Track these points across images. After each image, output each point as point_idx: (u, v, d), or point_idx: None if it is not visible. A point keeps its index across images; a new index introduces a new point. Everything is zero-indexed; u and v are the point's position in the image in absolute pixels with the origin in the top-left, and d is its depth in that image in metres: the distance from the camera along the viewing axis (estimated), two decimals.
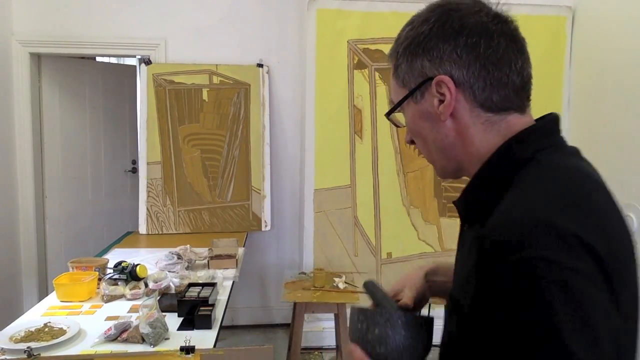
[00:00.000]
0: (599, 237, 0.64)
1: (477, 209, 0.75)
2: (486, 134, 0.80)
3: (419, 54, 0.81)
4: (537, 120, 0.90)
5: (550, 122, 0.89)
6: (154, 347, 1.70)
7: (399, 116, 0.86)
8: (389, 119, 0.87)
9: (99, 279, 2.26)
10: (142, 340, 1.72)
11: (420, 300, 0.99)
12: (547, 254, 0.60)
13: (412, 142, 0.87)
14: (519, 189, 0.71)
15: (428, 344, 0.95)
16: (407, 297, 0.96)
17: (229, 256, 2.67)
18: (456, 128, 0.79)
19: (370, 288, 0.99)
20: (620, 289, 0.64)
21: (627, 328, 0.66)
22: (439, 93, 0.78)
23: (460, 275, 0.81)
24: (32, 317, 1.96)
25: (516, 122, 0.85)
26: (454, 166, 0.84)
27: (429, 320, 0.98)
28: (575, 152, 0.90)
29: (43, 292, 3.69)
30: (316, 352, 3.49)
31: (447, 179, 1.02)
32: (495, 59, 0.83)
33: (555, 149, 0.85)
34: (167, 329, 1.80)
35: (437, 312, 2.25)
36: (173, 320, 1.91)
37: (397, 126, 0.89)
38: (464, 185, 0.80)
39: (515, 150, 0.79)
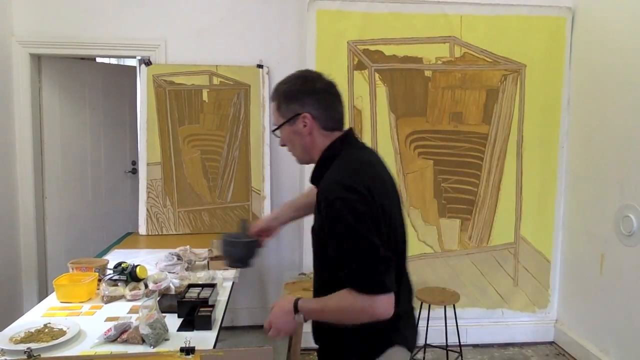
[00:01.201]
0: (374, 185, 1.40)
1: (318, 177, 1.51)
2: (324, 140, 1.53)
3: (292, 101, 1.51)
4: (345, 133, 1.56)
5: (348, 133, 1.56)
6: (154, 348, 1.70)
7: (278, 132, 1.57)
8: (273, 133, 1.60)
9: (99, 280, 2.26)
10: (142, 341, 1.72)
11: (266, 229, 1.90)
12: (340, 195, 1.36)
13: (284, 145, 1.59)
14: (332, 168, 1.47)
15: (251, 254, 1.82)
16: (254, 227, 1.89)
17: None
18: (311, 138, 1.53)
19: (241, 224, 1.85)
20: (390, 207, 1.45)
21: (396, 225, 1.48)
22: (303, 121, 1.51)
23: (315, 214, 1.50)
24: (32, 318, 1.96)
25: (334, 135, 1.54)
26: (308, 158, 1.57)
27: (253, 241, 1.85)
28: (363, 147, 1.60)
29: (43, 293, 3.69)
30: (316, 353, 3.49)
31: (307, 164, 1.60)
32: (330, 106, 1.54)
33: (351, 147, 1.54)
34: (167, 330, 1.80)
35: (436, 312, 2.42)
36: (173, 321, 1.90)
37: (276, 136, 1.59)
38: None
39: (332, 147, 1.52)
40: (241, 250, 1.76)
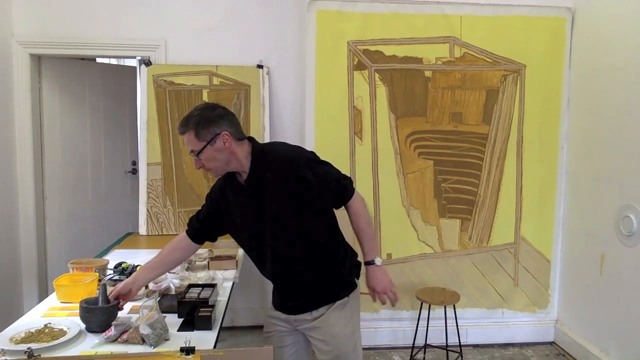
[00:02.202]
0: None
1: (258, 172, 1.84)
2: (242, 148, 1.84)
3: (209, 125, 1.78)
4: (249, 139, 1.90)
5: (252, 137, 1.92)
6: (154, 348, 1.70)
7: (198, 155, 1.82)
8: (195, 157, 1.81)
9: (99, 280, 2.26)
10: (142, 341, 1.73)
11: (124, 294, 1.93)
12: (304, 155, 1.89)
13: (202, 166, 1.83)
14: (270, 157, 1.85)
15: (111, 318, 1.84)
16: (113, 293, 1.93)
17: (229, 257, 2.67)
18: (231, 150, 1.81)
19: (101, 289, 1.91)
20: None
21: None
22: (223, 139, 1.79)
23: (280, 194, 1.83)
24: (33, 318, 1.96)
25: (245, 142, 1.87)
26: (229, 167, 1.86)
27: (112, 306, 1.88)
28: (264, 143, 2.11)
29: (43, 293, 3.69)
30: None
31: (223, 173, 1.92)
32: (236, 122, 1.86)
33: (264, 143, 2.01)
34: (167, 330, 1.80)
35: (437, 312, 2.47)
36: (173, 321, 1.91)
37: (197, 159, 1.82)
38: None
39: (257, 148, 1.87)
40: (100, 317, 1.82)
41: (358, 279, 2.03)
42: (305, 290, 1.93)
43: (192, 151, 1.81)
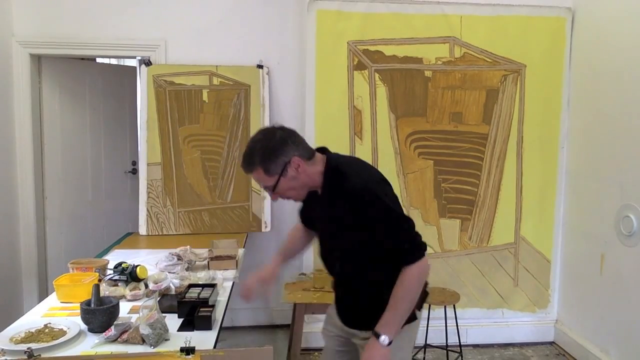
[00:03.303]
0: (384, 178, 1.74)
1: (333, 187, 1.70)
2: (314, 167, 1.71)
3: (275, 157, 1.64)
4: (319, 150, 1.78)
5: (324, 149, 1.80)
6: (154, 348, 1.70)
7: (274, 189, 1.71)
8: (271, 194, 1.73)
9: (99, 280, 2.26)
10: (142, 341, 1.73)
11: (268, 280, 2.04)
12: (374, 189, 1.65)
13: (281, 197, 1.73)
14: (346, 173, 1.68)
15: (112, 318, 1.85)
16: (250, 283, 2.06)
17: (229, 257, 2.67)
18: (306, 174, 1.69)
19: (94, 290, 1.91)
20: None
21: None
22: (294, 166, 1.66)
23: (338, 214, 1.69)
24: (33, 318, 1.96)
25: (317, 157, 1.74)
26: (308, 190, 1.75)
27: (112, 306, 1.90)
28: (339, 154, 1.83)
29: (43, 293, 3.69)
30: (316, 353, 3.49)
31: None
32: (300, 141, 1.70)
33: (337, 157, 1.79)
34: (167, 330, 1.80)
35: (437, 312, 2.47)
36: (173, 321, 1.91)
37: (274, 194, 1.72)
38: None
39: (330, 165, 1.73)
40: (100, 317, 1.84)
41: (420, 310, 1.81)
42: (358, 308, 1.79)
43: (265, 187, 1.70)
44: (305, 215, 1.97)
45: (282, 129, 1.69)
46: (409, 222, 1.68)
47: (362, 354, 1.69)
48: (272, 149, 1.63)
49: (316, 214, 1.85)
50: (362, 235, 1.66)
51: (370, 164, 1.87)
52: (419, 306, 1.79)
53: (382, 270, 1.68)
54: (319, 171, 1.70)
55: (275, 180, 1.65)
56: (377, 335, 1.63)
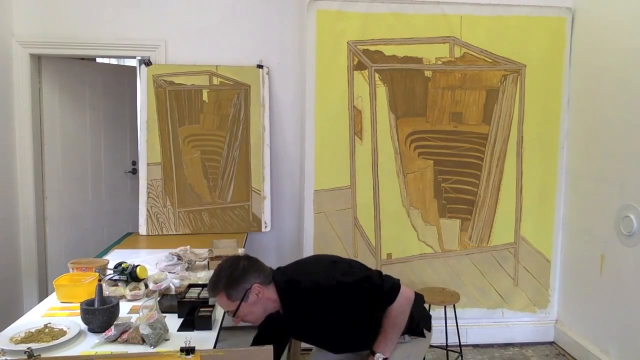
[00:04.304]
0: (333, 260, 2.01)
1: (294, 299, 1.88)
2: (272, 291, 1.87)
3: (238, 284, 1.80)
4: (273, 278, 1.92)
5: (273, 274, 1.93)
6: (154, 348, 1.71)
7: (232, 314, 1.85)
8: (232, 317, 1.84)
9: (99, 280, 2.26)
10: (143, 341, 1.73)
11: None
12: (332, 283, 1.86)
13: (241, 320, 1.84)
14: (297, 283, 1.89)
15: (113, 317, 1.88)
16: None
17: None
18: (265, 298, 1.84)
19: (97, 289, 1.93)
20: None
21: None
22: (255, 291, 1.81)
23: (314, 317, 1.89)
24: (33, 318, 1.96)
25: (271, 284, 1.89)
26: (267, 313, 1.88)
27: (113, 305, 1.92)
28: (283, 268, 2.02)
29: (43, 293, 3.69)
30: None
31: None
32: (261, 268, 1.89)
33: (280, 273, 1.95)
34: (167, 330, 1.80)
35: (437, 312, 2.46)
36: (173, 321, 1.91)
37: (235, 317, 1.84)
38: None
39: (282, 288, 1.88)
40: (100, 317, 1.85)
41: (429, 331, 2.09)
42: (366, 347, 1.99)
43: (228, 311, 1.84)
44: (266, 336, 2.07)
45: (247, 258, 1.92)
46: (370, 280, 1.90)
47: None
48: (235, 277, 1.80)
49: (293, 329, 2.03)
50: (346, 319, 1.89)
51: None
52: (427, 327, 2.07)
53: (376, 321, 1.94)
54: (275, 295, 1.87)
55: (236, 305, 1.80)
56: (373, 354, 1.91)
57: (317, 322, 1.90)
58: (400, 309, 1.91)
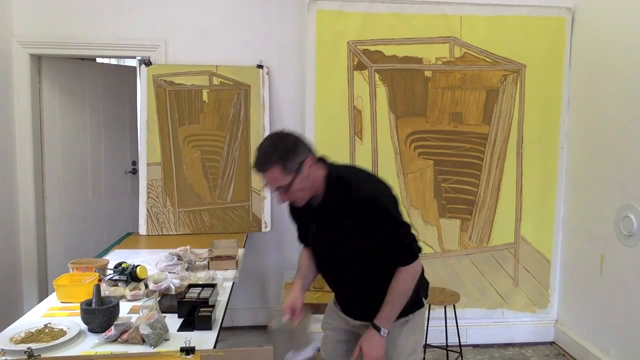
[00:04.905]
0: (385, 183, 1.84)
1: (336, 195, 1.77)
2: (321, 171, 1.78)
3: (292, 156, 1.68)
4: (320, 159, 1.81)
5: (323, 157, 1.83)
6: (154, 348, 1.71)
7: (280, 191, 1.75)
8: (284, 191, 1.73)
9: (99, 280, 2.26)
10: (143, 341, 1.73)
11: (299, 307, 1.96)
12: (383, 197, 1.79)
13: (291, 198, 1.76)
14: (352, 182, 1.78)
15: (113, 318, 1.87)
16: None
17: (229, 257, 2.67)
18: (316, 175, 1.75)
19: (95, 290, 1.92)
20: None
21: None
22: (308, 165, 1.70)
23: (344, 222, 1.78)
24: (33, 318, 1.96)
25: (322, 164, 1.80)
26: (314, 192, 1.78)
27: (113, 305, 1.92)
28: (339, 164, 1.88)
29: (43, 293, 3.69)
30: (316, 353, 3.49)
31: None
32: (310, 144, 1.75)
33: (336, 166, 1.86)
34: (167, 330, 1.80)
35: (437, 312, 2.45)
36: (173, 321, 1.91)
37: (283, 193, 1.74)
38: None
39: (332, 172, 1.80)
40: (101, 317, 1.84)
41: (426, 298, 2.02)
42: (369, 304, 1.88)
43: (279, 187, 1.72)
44: (303, 234, 2.02)
45: (294, 132, 1.78)
46: (407, 227, 1.83)
47: (361, 339, 1.87)
48: (289, 147, 1.70)
49: (313, 226, 1.90)
50: (368, 242, 1.77)
51: (368, 166, 2.07)
52: (425, 294, 2.00)
53: (385, 270, 1.82)
54: (322, 177, 1.78)
55: (291, 178, 1.68)
56: (377, 328, 1.82)
57: (344, 228, 1.78)
58: (412, 276, 1.82)
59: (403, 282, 1.81)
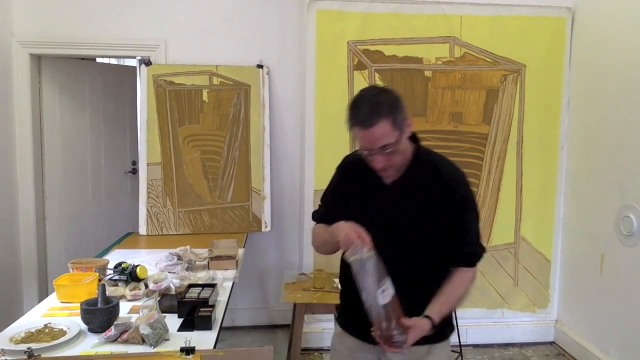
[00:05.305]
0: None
1: (423, 170, 1.57)
2: (409, 142, 1.57)
3: (400, 110, 1.46)
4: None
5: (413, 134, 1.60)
6: (154, 348, 1.70)
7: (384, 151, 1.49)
8: (386, 151, 1.46)
9: (99, 280, 2.26)
10: (142, 341, 1.72)
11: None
12: (466, 180, 1.60)
13: (386, 164, 1.50)
14: (442, 160, 1.62)
15: (113, 318, 1.86)
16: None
17: (229, 257, 2.67)
18: (406, 144, 1.54)
19: (100, 289, 1.92)
20: None
21: None
22: (408, 123, 1.49)
23: (425, 201, 1.55)
24: (33, 318, 1.96)
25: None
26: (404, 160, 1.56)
27: (113, 305, 1.91)
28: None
29: (43, 293, 3.69)
30: (316, 353, 3.49)
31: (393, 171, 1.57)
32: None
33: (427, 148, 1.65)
34: (167, 330, 1.80)
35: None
36: (173, 321, 1.91)
37: (384, 155, 1.47)
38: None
39: (424, 149, 1.61)
40: (101, 317, 1.84)
41: (451, 332, 1.72)
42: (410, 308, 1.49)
43: (385, 146, 1.44)
44: (334, 215, 1.60)
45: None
46: (477, 222, 1.63)
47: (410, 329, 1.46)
48: (396, 100, 1.46)
49: (374, 205, 1.58)
50: (441, 228, 1.55)
51: None
52: (453, 327, 1.69)
53: (439, 272, 1.58)
54: (411, 148, 1.57)
55: (397, 135, 1.44)
56: (430, 318, 1.49)
57: (422, 210, 1.53)
58: (473, 280, 1.60)
59: (464, 285, 1.57)
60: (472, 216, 1.60)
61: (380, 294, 1.39)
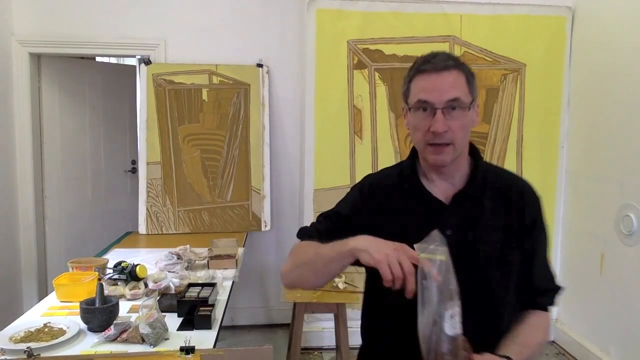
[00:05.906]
0: None
1: (487, 183, 1.31)
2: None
3: (475, 84, 1.25)
4: None
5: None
6: (153, 347, 1.70)
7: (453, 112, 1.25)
8: (452, 110, 1.21)
9: (99, 279, 2.26)
10: (142, 340, 1.72)
11: None
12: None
13: (448, 131, 1.23)
14: (500, 168, 1.42)
15: (112, 317, 1.83)
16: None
17: (229, 256, 2.67)
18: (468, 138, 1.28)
19: (98, 288, 1.88)
20: None
21: None
22: (477, 109, 1.29)
23: (498, 219, 1.24)
24: (32, 317, 1.96)
25: None
26: (455, 157, 1.30)
27: (113, 305, 1.89)
28: None
29: (43, 293, 3.69)
30: (316, 353, 3.49)
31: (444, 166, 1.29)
32: None
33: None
34: (167, 329, 1.80)
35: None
36: (173, 321, 1.90)
37: (450, 117, 1.21)
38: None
39: (482, 159, 1.41)
40: (101, 316, 1.84)
41: None
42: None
43: (454, 100, 1.18)
44: (333, 233, 1.21)
45: None
46: (546, 248, 1.36)
47: None
48: (473, 74, 1.24)
49: (428, 230, 1.08)
50: (517, 257, 1.24)
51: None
52: None
53: (510, 312, 1.26)
54: (468, 151, 1.34)
55: (470, 101, 1.22)
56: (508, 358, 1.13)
57: (495, 232, 1.21)
58: (548, 327, 1.32)
59: (544, 331, 1.28)
60: (545, 239, 1.32)
61: (448, 318, 1.02)
